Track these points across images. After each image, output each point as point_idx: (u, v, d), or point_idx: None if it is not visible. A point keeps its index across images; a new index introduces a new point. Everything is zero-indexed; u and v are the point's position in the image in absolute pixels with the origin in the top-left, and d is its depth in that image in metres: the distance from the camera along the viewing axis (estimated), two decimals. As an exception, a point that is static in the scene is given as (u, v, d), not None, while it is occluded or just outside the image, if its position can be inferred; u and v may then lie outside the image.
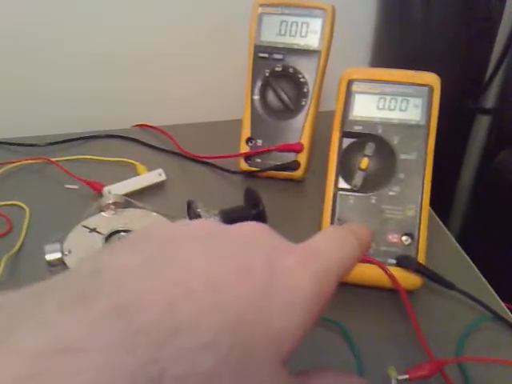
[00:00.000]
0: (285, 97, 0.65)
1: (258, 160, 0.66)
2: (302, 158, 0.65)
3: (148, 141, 0.77)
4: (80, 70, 0.82)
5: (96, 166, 0.72)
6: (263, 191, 0.56)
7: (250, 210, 0.54)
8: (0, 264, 0.52)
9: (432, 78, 0.50)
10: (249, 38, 0.66)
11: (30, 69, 0.81)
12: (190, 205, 0.55)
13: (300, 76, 0.65)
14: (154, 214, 0.53)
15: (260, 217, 0.53)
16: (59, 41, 0.79)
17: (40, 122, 0.81)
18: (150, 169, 0.68)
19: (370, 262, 0.47)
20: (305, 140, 0.65)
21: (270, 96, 0.66)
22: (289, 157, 0.65)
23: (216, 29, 0.81)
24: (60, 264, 0.48)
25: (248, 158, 0.66)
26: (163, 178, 0.66)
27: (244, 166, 0.67)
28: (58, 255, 0.48)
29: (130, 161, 0.71)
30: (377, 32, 0.87)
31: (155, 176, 0.66)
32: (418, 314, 0.45)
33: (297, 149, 0.64)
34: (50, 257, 0.48)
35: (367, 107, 0.50)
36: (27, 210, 0.62)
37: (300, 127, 0.65)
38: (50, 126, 0.78)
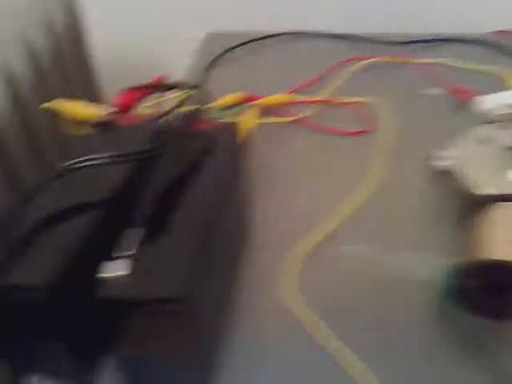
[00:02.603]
0: None
1: None
2: None
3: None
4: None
5: (451, 73, 0.66)
6: None
7: None
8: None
9: None
10: None
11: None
12: None
13: None
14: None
15: None
16: None
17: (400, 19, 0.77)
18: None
19: None
20: None
21: None
22: None
23: None
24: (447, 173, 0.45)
25: None
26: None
27: None
28: (448, 162, 0.45)
29: (497, 71, 0.63)
30: None
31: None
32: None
33: None
34: (439, 164, 0.45)
35: None
36: (387, 110, 0.61)
37: None
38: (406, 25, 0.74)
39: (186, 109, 0.59)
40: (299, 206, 0.51)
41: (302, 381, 0.38)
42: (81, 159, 0.36)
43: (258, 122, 0.61)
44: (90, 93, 0.84)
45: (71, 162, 0.36)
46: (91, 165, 0.36)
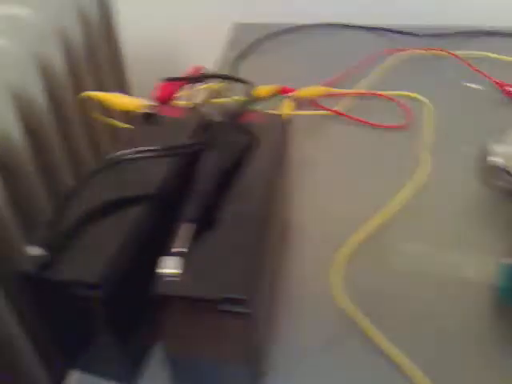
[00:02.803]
0: None
1: None
2: None
3: None
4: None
5: (491, 65, 0.64)
6: None
7: None
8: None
9: None
10: None
11: None
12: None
13: None
14: None
15: None
16: None
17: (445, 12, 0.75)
18: None
19: None
20: None
21: None
22: None
23: None
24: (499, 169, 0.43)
25: None
26: None
27: None
28: (500, 159, 0.43)
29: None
30: None
31: None
32: None
33: None
34: (491, 160, 0.43)
35: None
36: (426, 104, 0.59)
37: None
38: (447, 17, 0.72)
39: (232, 100, 0.58)
40: (340, 202, 0.49)
41: (348, 379, 0.36)
42: (128, 151, 0.35)
43: (294, 114, 0.59)
44: (121, 85, 0.83)
45: (118, 154, 0.35)
46: (138, 157, 0.35)
